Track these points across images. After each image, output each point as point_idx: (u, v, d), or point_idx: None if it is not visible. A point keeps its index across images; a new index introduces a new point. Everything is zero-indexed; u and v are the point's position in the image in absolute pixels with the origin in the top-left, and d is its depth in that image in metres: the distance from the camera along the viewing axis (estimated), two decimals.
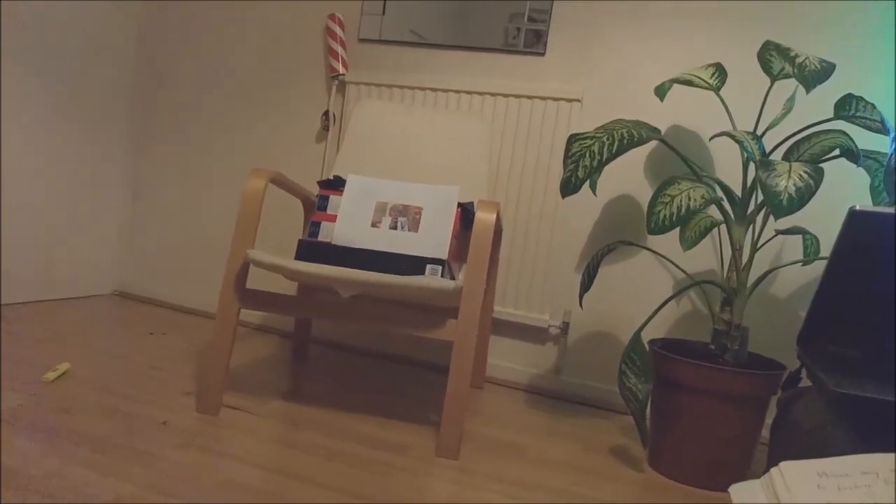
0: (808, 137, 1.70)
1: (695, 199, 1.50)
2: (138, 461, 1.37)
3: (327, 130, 2.59)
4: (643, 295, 2.19)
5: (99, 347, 2.13)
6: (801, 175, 1.39)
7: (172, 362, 2.09)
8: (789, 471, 0.49)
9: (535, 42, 2.30)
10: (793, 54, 1.52)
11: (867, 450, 0.65)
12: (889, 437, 0.65)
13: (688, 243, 1.97)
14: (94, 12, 2.67)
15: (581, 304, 1.96)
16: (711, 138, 1.79)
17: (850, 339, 0.80)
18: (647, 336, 2.17)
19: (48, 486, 1.23)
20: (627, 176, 2.21)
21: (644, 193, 2.19)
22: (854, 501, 0.45)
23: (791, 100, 1.76)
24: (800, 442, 0.74)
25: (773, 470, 0.51)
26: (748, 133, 1.62)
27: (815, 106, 1.96)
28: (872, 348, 0.80)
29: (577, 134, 1.61)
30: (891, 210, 0.85)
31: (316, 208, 1.96)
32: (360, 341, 2.56)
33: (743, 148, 1.57)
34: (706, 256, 2.13)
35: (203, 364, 2.11)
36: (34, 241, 2.58)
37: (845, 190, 1.97)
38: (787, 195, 1.36)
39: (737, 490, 0.52)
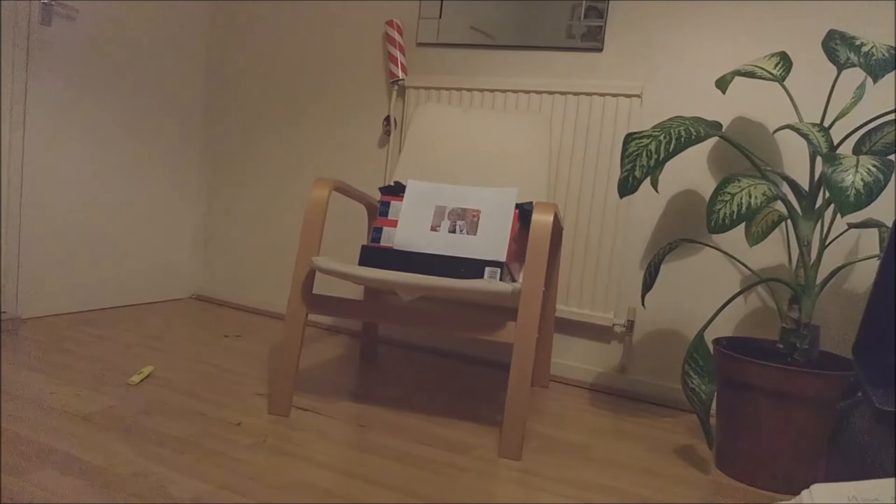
0: (881, 127, 1.64)
1: (756, 197, 1.47)
2: (214, 461, 1.45)
3: (389, 135, 2.64)
4: (709, 292, 2.15)
5: (179, 351, 2.25)
6: (869, 169, 1.34)
7: (246, 365, 2.18)
8: (820, 493, 0.49)
9: (592, 38, 2.28)
10: (858, 43, 1.47)
11: None
12: None
13: (754, 239, 1.92)
14: (166, 32, 2.80)
15: (643, 304, 1.94)
16: (775, 131, 1.75)
17: None
18: (713, 334, 2.12)
19: (135, 484, 1.32)
20: (691, 170, 2.17)
21: (709, 188, 2.15)
22: None
23: (861, 88, 1.69)
24: (853, 458, 0.72)
25: (804, 492, 0.51)
26: (814, 125, 1.57)
27: (888, 93, 1.88)
28: None
29: (634, 133, 1.60)
30: None
31: (378, 214, 2.01)
32: (426, 340, 2.60)
33: (808, 141, 1.52)
34: (775, 251, 2.07)
35: (274, 367, 2.20)
36: (119, 250, 2.74)
37: None
38: (854, 190, 1.32)
39: None
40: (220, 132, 3.03)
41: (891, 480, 0.47)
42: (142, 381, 1.91)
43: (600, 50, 2.28)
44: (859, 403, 0.77)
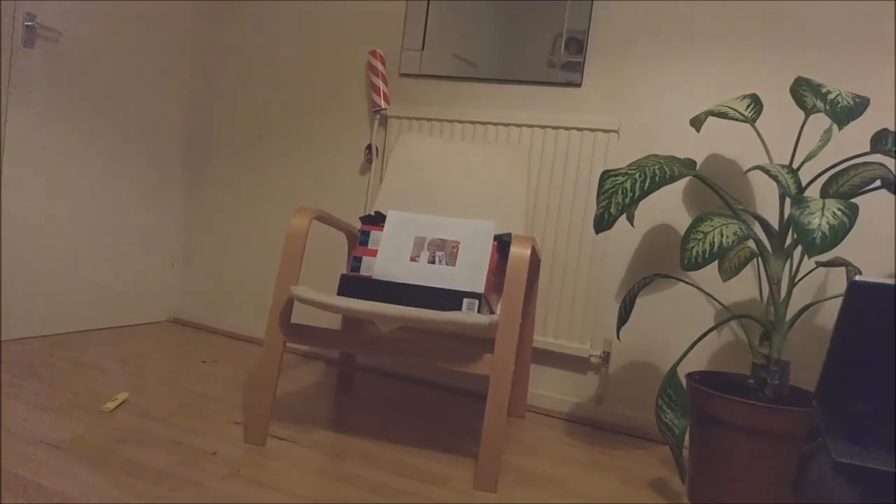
0: (847, 170, 1.69)
1: (727, 236, 1.51)
2: (189, 492, 1.45)
3: (370, 163, 2.67)
4: (684, 324, 2.19)
5: (155, 376, 2.24)
6: (835, 212, 1.39)
7: (223, 391, 2.17)
8: None
9: (572, 72, 2.33)
10: (825, 90, 1.52)
11: None
12: None
13: (726, 274, 1.96)
14: (149, 54, 2.82)
15: (619, 337, 1.97)
16: (746, 171, 1.79)
17: (860, 403, 0.81)
18: (687, 367, 2.16)
19: None
20: (666, 205, 2.22)
21: (683, 222, 2.20)
22: None
23: (827, 132, 1.75)
24: (820, 498, 0.75)
25: None
26: (783, 167, 1.62)
27: (854, 137, 1.94)
28: (881, 414, 0.80)
29: (610, 170, 1.64)
30: (891, 282, 0.85)
31: (358, 243, 2.02)
32: (403, 369, 2.61)
33: (777, 182, 1.57)
34: (747, 286, 2.11)
35: (251, 395, 2.19)
36: (96, 271, 2.73)
37: (891, 220, 1.94)
38: (820, 233, 1.36)
39: None
40: (201, 155, 3.04)
41: None
42: (116, 407, 1.90)
43: (579, 85, 2.33)
44: (820, 450, 0.80)
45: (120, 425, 1.78)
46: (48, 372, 2.14)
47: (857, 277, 0.83)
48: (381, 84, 2.58)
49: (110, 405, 1.88)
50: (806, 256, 1.82)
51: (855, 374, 0.83)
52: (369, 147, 2.66)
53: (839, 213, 1.38)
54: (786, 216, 1.71)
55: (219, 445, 1.73)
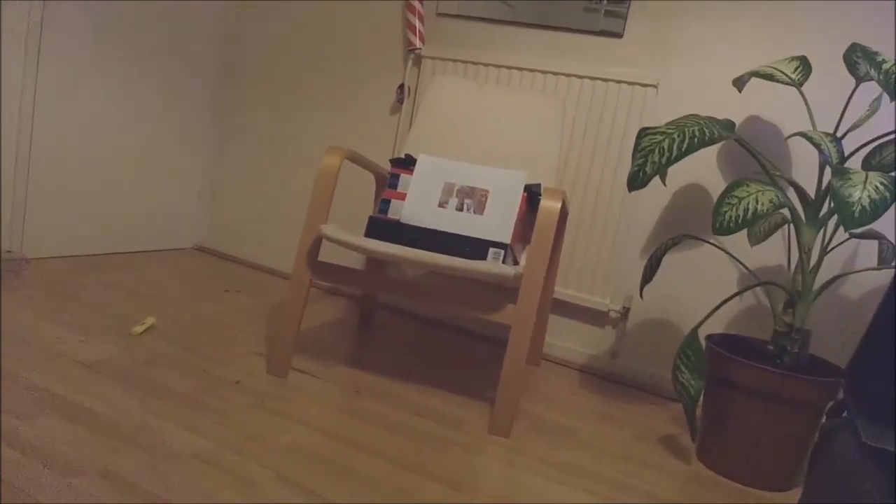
0: (892, 142, 1.65)
1: (763, 203, 1.49)
2: (213, 418, 1.50)
3: (402, 103, 2.64)
4: (706, 287, 2.18)
5: (180, 302, 2.29)
6: (877, 186, 1.36)
7: (247, 321, 2.22)
8: None
9: (614, 23, 2.27)
10: (879, 59, 1.47)
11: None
12: None
13: (755, 239, 1.95)
14: None
15: (641, 295, 1.97)
16: (787, 137, 1.76)
17: (893, 386, 0.81)
18: (707, 329, 2.16)
19: (136, 435, 1.36)
20: (700, 166, 2.18)
21: (716, 185, 2.17)
22: None
23: (877, 101, 1.70)
24: (832, 479, 0.75)
25: None
26: (826, 135, 1.59)
27: None
28: None
29: (648, 128, 1.61)
30: None
31: (387, 185, 2.02)
32: (425, 310, 2.64)
33: (820, 151, 1.53)
34: (775, 252, 2.09)
35: (274, 328, 2.23)
36: (125, 195, 2.76)
37: None
38: (860, 207, 1.34)
39: None
40: (234, 87, 3.02)
41: None
42: (144, 331, 1.95)
43: (620, 35, 2.27)
44: (843, 426, 0.80)
45: (147, 349, 1.83)
46: (80, 292, 2.19)
47: None
48: (417, 23, 2.53)
49: (138, 329, 1.93)
50: (839, 226, 1.80)
51: (893, 355, 0.83)
52: (402, 86, 2.62)
53: (881, 187, 1.35)
54: (824, 185, 1.68)
55: (242, 375, 1.78)
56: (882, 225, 1.94)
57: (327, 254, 2.72)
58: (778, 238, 2.08)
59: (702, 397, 1.71)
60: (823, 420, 1.30)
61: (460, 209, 1.90)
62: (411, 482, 1.38)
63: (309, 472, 1.34)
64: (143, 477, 1.22)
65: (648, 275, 1.89)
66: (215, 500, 1.18)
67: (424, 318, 2.63)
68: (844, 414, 0.84)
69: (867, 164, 1.68)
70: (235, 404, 1.59)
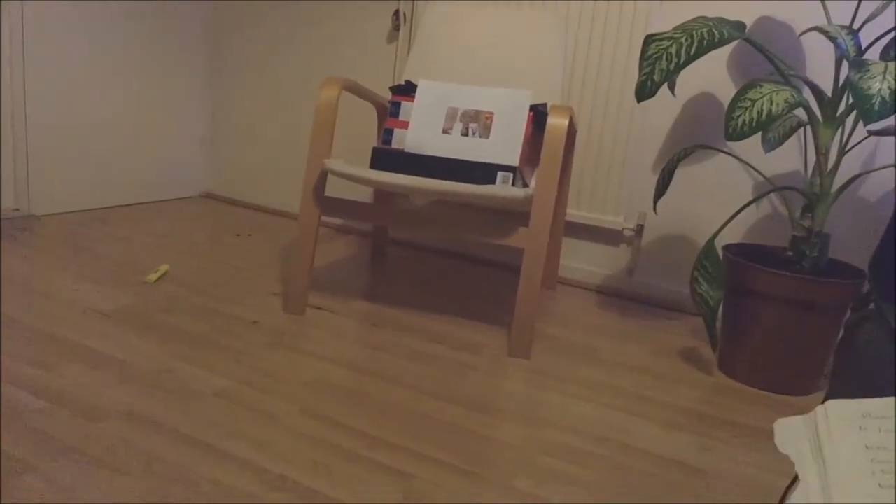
0: None
1: (777, 104, 1.44)
2: (234, 359, 1.51)
3: (398, 30, 2.56)
4: (721, 197, 2.14)
5: (192, 249, 2.28)
6: None
7: (260, 263, 2.22)
8: (834, 410, 0.51)
9: None
10: None
11: None
12: None
13: (770, 144, 1.89)
14: None
15: (655, 210, 1.94)
16: (801, 34, 1.68)
17: None
18: (722, 240, 2.13)
19: (159, 379, 1.37)
20: (710, 73, 2.11)
21: (727, 92, 2.10)
22: (890, 446, 0.46)
23: None
24: (860, 370, 0.75)
25: (819, 408, 0.53)
26: (843, 27, 1.52)
27: None
28: None
29: (654, 35, 1.54)
30: None
31: (388, 115, 1.98)
32: (436, 242, 2.63)
33: (836, 45, 1.47)
34: (790, 158, 2.04)
35: (288, 267, 2.23)
36: (126, 147, 2.73)
37: None
38: (879, 99, 1.29)
39: (780, 428, 0.54)
40: (225, 29, 2.94)
41: None
42: (158, 279, 1.95)
43: None
44: (870, 317, 0.79)
45: (163, 296, 1.84)
46: (91, 244, 2.19)
47: None
48: None
49: (152, 276, 1.94)
50: (857, 125, 1.74)
51: None
52: (396, 13, 2.54)
53: None
54: (840, 82, 1.61)
55: (259, 315, 1.78)
56: None
57: (334, 190, 2.70)
58: (793, 143, 2.02)
59: (721, 308, 1.69)
60: (847, 315, 1.28)
61: (465, 134, 1.85)
62: (434, 407, 1.39)
63: (331, 404, 1.35)
64: (168, 416, 1.23)
65: (661, 188, 1.85)
66: (241, 435, 1.20)
67: (437, 250, 2.62)
68: (871, 307, 0.83)
69: (886, 56, 1.61)
70: (254, 343, 1.60)
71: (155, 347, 1.52)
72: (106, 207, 2.69)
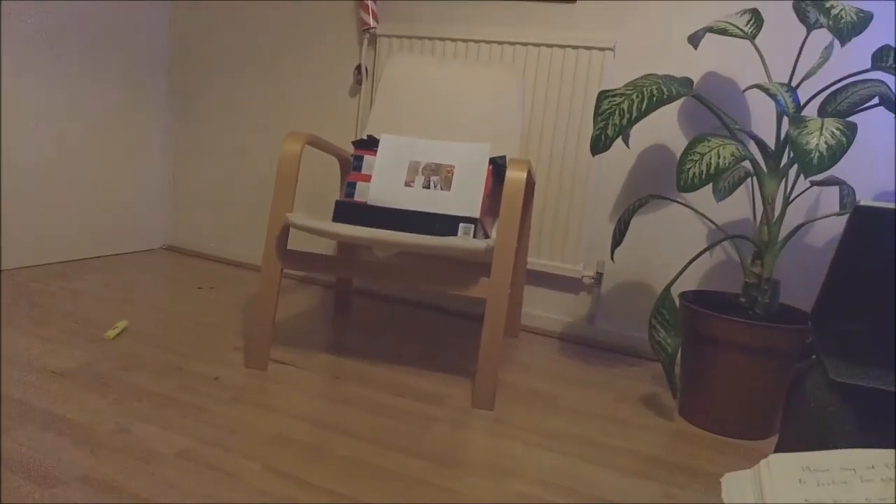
0: (846, 87, 1.67)
1: (724, 157, 1.50)
2: (195, 416, 1.48)
3: (360, 84, 2.61)
4: (677, 245, 2.21)
5: (152, 303, 2.25)
6: (833, 132, 1.38)
7: (221, 317, 2.20)
8: (777, 464, 0.53)
9: None
10: (828, 5, 1.48)
11: (865, 437, 0.68)
12: (889, 426, 0.68)
13: (720, 194, 1.97)
14: None
15: (613, 258, 1.99)
16: (744, 90, 1.77)
17: (858, 324, 0.83)
18: (680, 286, 2.19)
19: (117, 440, 1.34)
20: (661, 126, 2.19)
21: (678, 143, 2.18)
22: (828, 500, 0.49)
23: (829, 49, 1.72)
24: (805, 419, 0.78)
25: (763, 462, 0.55)
26: (782, 85, 1.60)
27: (855, 55, 1.91)
28: (879, 335, 0.83)
29: (607, 91, 1.61)
30: (893, 206, 0.85)
31: (351, 168, 2.00)
32: (400, 291, 2.64)
33: (776, 101, 1.55)
34: (741, 206, 2.12)
35: (250, 321, 2.21)
36: (86, 200, 2.70)
37: (888, 137, 1.93)
38: (818, 153, 1.36)
39: (727, 482, 0.56)
40: (187, 78, 2.96)
41: (837, 452, 0.52)
42: (117, 335, 1.92)
43: (573, 1, 2.26)
44: (815, 366, 0.82)
45: (122, 353, 1.80)
46: (47, 300, 2.15)
47: (862, 202, 0.84)
48: (370, 1, 2.49)
49: (111, 333, 1.90)
50: (801, 175, 1.82)
51: (854, 295, 0.85)
52: (358, 67, 2.59)
53: (837, 132, 1.37)
54: (783, 136, 1.70)
55: (221, 370, 1.76)
56: (842, 170, 1.97)
57: (298, 242, 2.70)
58: (742, 192, 2.11)
59: (679, 354, 1.73)
60: (797, 364, 1.33)
61: (427, 186, 1.89)
62: (399, 461, 1.38)
63: (295, 461, 1.34)
64: (126, 480, 1.20)
65: (618, 238, 1.90)
66: (203, 497, 1.18)
67: (400, 300, 2.63)
68: (814, 356, 0.86)
69: (823, 111, 1.70)
70: (216, 400, 1.58)
71: (113, 407, 1.49)
72: (63, 262, 2.65)
